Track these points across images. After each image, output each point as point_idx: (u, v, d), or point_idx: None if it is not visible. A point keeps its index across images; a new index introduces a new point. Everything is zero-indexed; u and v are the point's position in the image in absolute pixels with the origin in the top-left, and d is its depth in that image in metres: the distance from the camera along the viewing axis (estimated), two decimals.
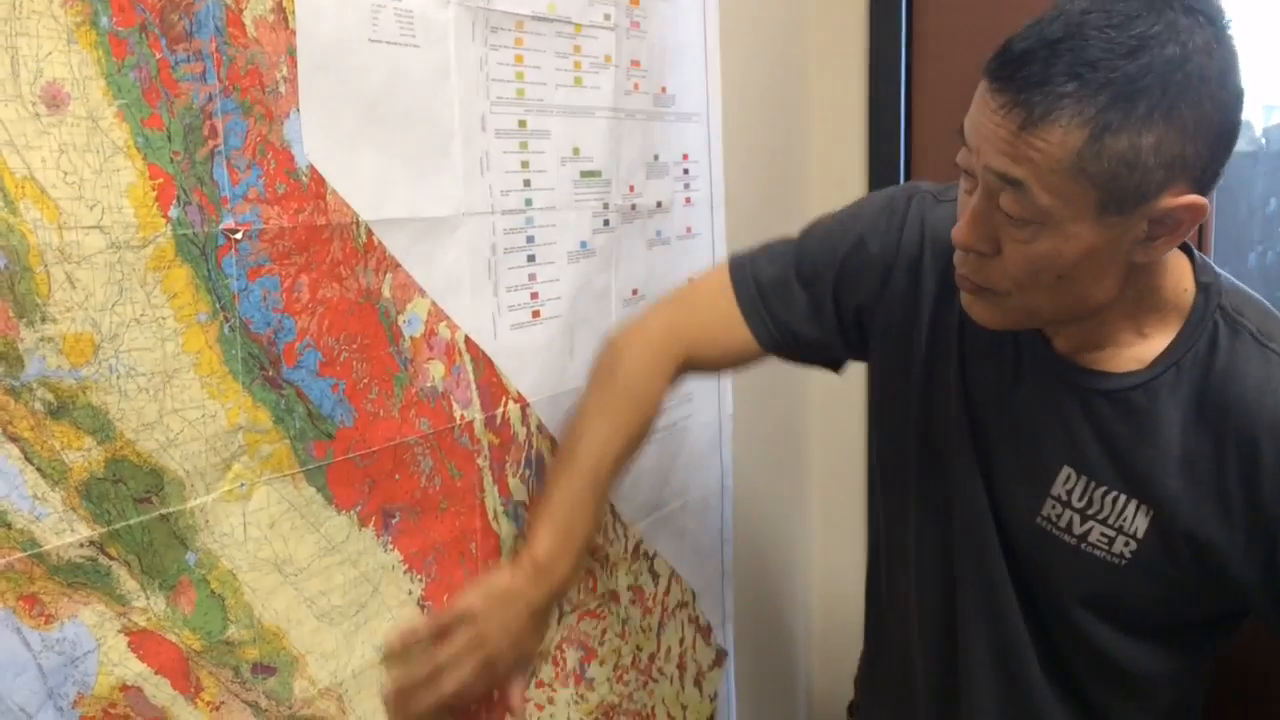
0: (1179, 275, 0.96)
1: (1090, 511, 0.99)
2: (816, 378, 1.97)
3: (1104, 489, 0.98)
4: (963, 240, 0.92)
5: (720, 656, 1.63)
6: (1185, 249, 0.97)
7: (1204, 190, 0.86)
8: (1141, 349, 0.96)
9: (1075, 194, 0.85)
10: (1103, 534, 0.99)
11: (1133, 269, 0.91)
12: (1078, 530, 1.00)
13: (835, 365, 1.22)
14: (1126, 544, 0.98)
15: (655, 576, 1.46)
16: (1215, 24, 0.84)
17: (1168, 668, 1.04)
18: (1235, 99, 0.85)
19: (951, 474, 1.08)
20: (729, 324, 1.15)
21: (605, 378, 1.14)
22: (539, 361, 1.20)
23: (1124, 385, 0.96)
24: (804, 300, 1.14)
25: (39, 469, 0.75)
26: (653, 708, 1.47)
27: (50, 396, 0.75)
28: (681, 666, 1.53)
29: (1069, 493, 1.00)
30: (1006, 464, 1.04)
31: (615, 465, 1.11)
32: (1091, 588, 1.01)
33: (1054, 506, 1.01)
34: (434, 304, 1.06)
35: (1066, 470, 1.00)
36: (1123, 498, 0.97)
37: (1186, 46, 0.82)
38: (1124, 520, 0.97)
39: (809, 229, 1.17)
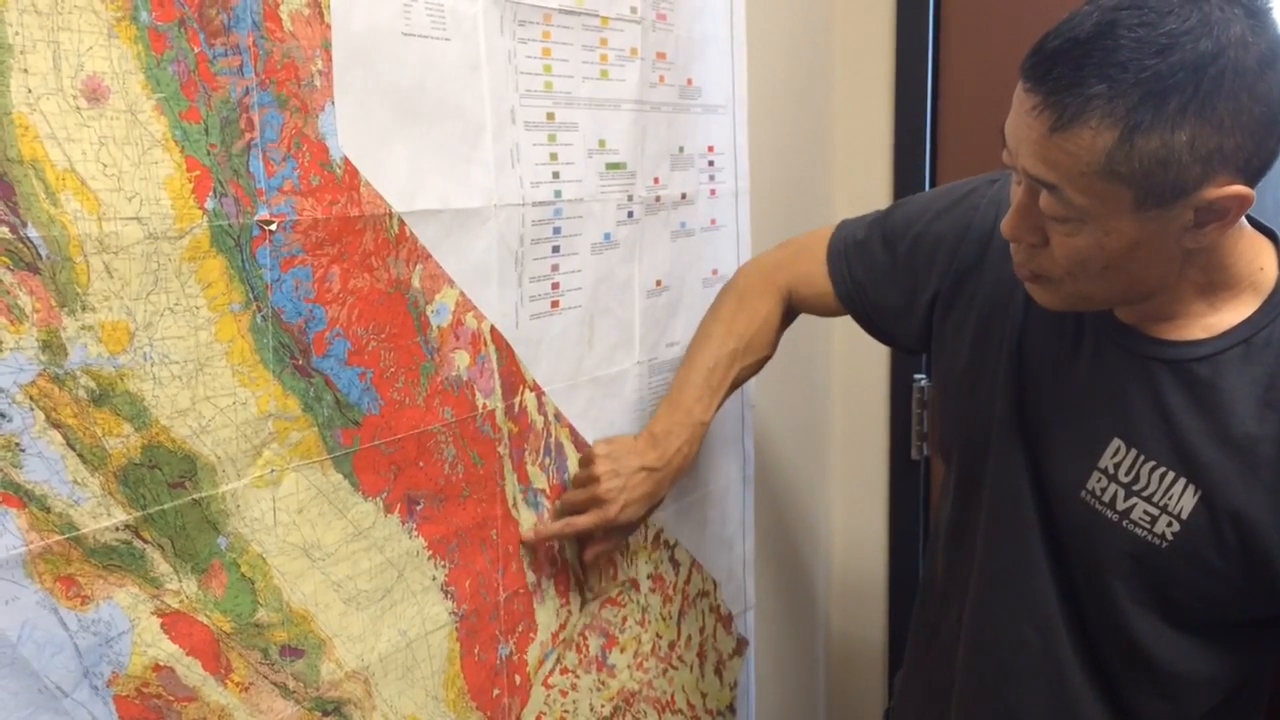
0: (1254, 254, 0.95)
1: (1136, 487, 0.97)
2: (838, 369, 1.99)
3: (1152, 464, 0.97)
4: (1010, 233, 0.95)
5: (741, 645, 1.64)
6: (1269, 232, 0.97)
7: (1252, 178, 0.85)
8: (1211, 321, 0.95)
9: (1110, 193, 0.85)
10: (1146, 511, 0.97)
11: (1189, 253, 0.90)
12: (1121, 506, 0.98)
13: (901, 340, 1.26)
14: (1170, 524, 0.96)
15: (676, 565, 1.47)
16: (1254, 15, 0.82)
17: (1207, 671, 1.02)
18: (1278, 88, 0.83)
19: (996, 446, 1.07)
20: (820, 272, 1.28)
21: (724, 294, 1.35)
22: (555, 350, 1.21)
23: (1186, 355, 0.95)
24: (882, 261, 1.22)
25: (80, 455, 0.77)
26: (672, 695, 1.48)
27: (92, 384, 0.77)
28: (702, 655, 1.54)
29: (1116, 466, 0.99)
30: (1055, 436, 1.03)
31: (730, 362, 1.29)
32: (1130, 569, 0.99)
33: (1099, 480, 1.00)
34: (462, 294, 1.07)
35: (1116, 443, 0.99)
36: (1170, 474, 0.96)
37: (1220, 40, 0.81)
38: (1169, 498, 0.96)
39: (899, 201, 1.29)
